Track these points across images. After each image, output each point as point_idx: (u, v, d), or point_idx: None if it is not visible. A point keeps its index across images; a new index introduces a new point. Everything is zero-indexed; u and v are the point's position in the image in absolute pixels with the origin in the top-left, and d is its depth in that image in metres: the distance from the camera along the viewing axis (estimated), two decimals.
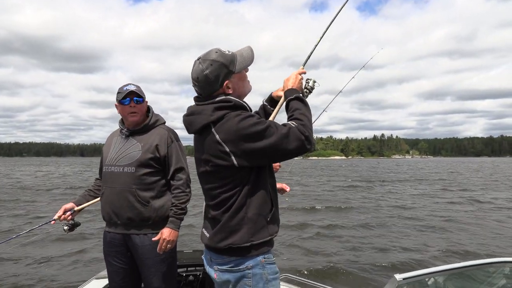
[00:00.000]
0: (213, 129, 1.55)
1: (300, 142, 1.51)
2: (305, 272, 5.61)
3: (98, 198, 2.51)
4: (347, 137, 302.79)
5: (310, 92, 1.85)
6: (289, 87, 1.74)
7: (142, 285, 2.40)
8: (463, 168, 51.38)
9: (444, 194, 17.21)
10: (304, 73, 1.81)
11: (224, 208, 1.58)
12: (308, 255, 6.69)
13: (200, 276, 3.14)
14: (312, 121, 1.65)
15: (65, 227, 2.40)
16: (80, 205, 2.45)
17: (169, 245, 2.17)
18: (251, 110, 1.66)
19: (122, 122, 2.42)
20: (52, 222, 2.43)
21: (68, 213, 2.38)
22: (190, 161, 2.33)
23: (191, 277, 3.10)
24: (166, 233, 2.15)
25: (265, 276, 1.56)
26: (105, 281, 2.82)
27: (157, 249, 2.16)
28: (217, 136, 1.53)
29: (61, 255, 6.59)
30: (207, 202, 1.69)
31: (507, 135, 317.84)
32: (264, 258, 1.58)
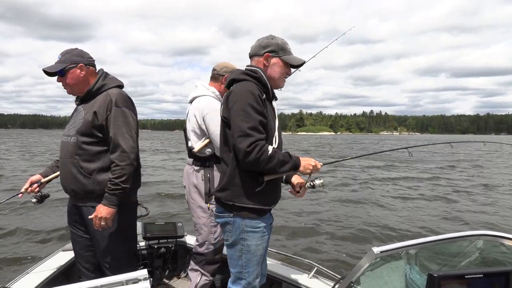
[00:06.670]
0: (233, 86, 1.87)
1: (248, 149, 1.66)
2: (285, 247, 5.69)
3: None
4: (336, 113, 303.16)
5: (312, 187, 1.94)
6: (301, 161, 1.84)
7: None
8: None
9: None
10: (319, 168, 1.89)
11: (225, 167, 1.87)
12: (286, 229, 6.76)
13: (172, 248, 3.11)
14: None
15: (33, 200, 2.37)
16: (47, 176, 2.40)
17: (102, 222, 2.03)
18: (268, 94, 1.89)
19: None
20: (20, 195, 2.39)
21: (35, 185, 2.34)
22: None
23: (162, 249, 3.07)
24: (98, 209, 2.03)
25: (242, 226, 1.82)
26: (72, 253, 2.80)
27: (93, 226, 2.07)
28: (230, 92, 1.83)
29: (29, 229, 6.44)
30: None
31: (494, 113, 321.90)
32: (248, 212, 1.81)
